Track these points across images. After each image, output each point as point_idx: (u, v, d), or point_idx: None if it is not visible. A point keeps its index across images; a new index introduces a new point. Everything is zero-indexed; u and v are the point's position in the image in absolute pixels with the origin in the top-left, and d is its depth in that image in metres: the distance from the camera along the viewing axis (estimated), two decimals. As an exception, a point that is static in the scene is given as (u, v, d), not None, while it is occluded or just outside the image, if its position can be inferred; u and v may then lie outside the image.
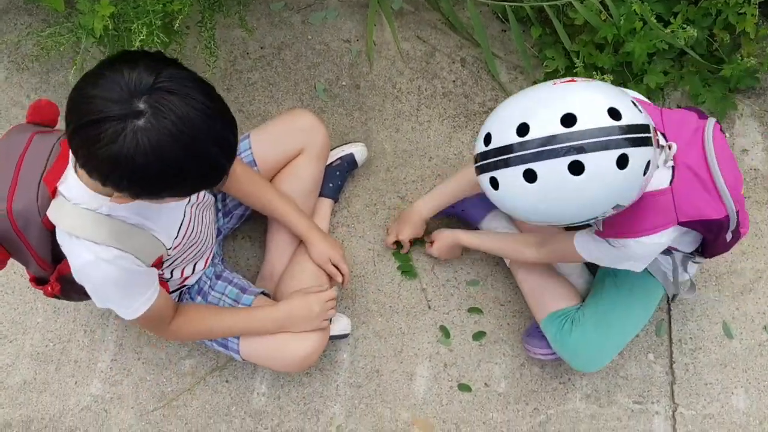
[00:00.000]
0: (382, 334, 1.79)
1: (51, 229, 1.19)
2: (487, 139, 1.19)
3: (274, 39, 2.01)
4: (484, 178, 1.21)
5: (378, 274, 1.83)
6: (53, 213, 1.16)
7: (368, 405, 1.75)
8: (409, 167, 1.91)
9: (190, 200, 1.36)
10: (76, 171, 1.15)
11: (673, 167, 1.29)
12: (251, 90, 1.96)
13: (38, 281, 1.35)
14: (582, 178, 1.12)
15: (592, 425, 1.73)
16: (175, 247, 1.33)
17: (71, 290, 1.34)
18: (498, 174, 1.17)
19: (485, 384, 1.76)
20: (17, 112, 1.92)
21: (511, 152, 1.14)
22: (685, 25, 1.73)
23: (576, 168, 1.11)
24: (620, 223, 1.31)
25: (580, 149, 1.10)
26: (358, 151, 1.85)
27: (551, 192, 1.15)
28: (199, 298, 1.59)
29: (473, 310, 1.81)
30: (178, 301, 1.58)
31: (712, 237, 1.35)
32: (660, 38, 1.75)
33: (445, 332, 1.79)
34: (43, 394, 1.75)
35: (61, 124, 1.45)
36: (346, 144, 1.87)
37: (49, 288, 1.32)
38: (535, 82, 1.96)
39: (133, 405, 1.74)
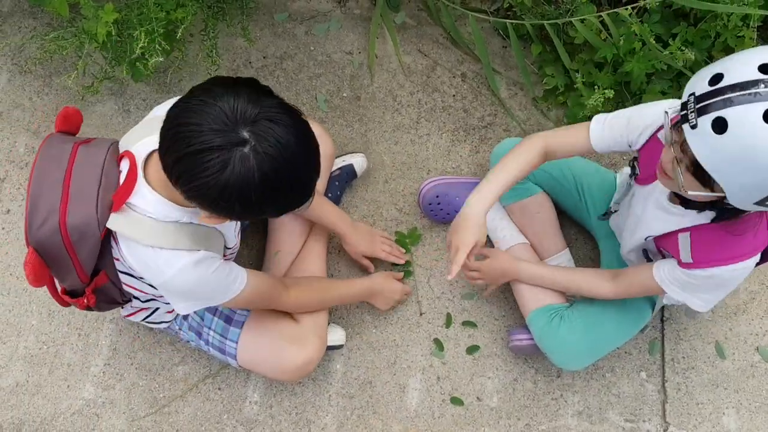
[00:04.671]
0: (376, 346, 1.80)
1: (102, 242, 1.22)
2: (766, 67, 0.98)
3: (276, 49, 2.02)
4: (753, 110, 0.96)
5: (373, 286, 1.83)
6: (129, 229, 1.18)
7: (360, 416, 1.75)
8: (408, 180, 1.92)
9: None
10: (150, 185, 1.18)
11: None
12: (252, 99, 1.97)
13: (71, 294, 1.34)
14: None
15: (583, 442, 1.74)
16: (231, 248, 1.37)
17: (104, 301, 1.37)
18: None
19: (477, 398, 1.76)
20: (19, 115, 1.93)
21: None
22: (683, 47, 1.74)
23: None
24: (715, 250, 1.25)
25: None
26: (357, 161, 1.86)
27: None
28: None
29: (467, 323, 1.81)
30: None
31: None
32: (659, 59, 1.77)
33: (438, 345, 1.79)
34: (35, 397, 1.74)
35: (86, 132, 1.43)
36: (346, 154, 1.88)
37: (85, 300, 1.33)
38: (534, 99, 1.98)
39: (124, 410, 1.74)
